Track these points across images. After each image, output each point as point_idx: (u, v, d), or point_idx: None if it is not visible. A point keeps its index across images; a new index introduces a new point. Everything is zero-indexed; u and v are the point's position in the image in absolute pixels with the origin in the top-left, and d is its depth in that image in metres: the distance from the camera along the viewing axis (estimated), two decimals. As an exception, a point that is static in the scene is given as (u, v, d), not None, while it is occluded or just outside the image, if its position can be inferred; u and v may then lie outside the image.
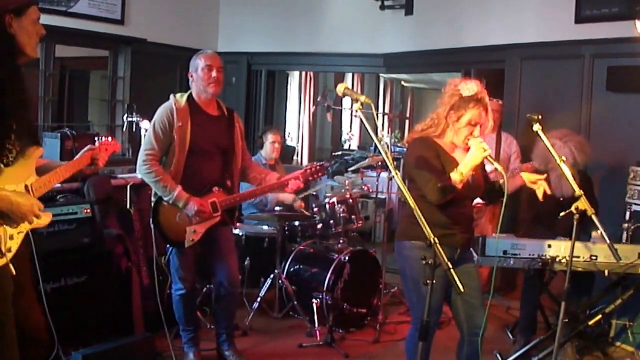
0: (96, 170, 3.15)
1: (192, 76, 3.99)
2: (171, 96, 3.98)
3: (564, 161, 3.23)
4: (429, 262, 2.58)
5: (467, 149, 3.23)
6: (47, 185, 2.80)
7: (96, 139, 3.20)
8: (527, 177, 3.36)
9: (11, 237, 2.61)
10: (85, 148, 3.06)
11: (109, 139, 3.25)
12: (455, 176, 3.11)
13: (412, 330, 3.50)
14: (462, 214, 3.36)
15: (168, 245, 4.10)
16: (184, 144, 3.87)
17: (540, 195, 3.31)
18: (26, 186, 2.69)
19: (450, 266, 2.47)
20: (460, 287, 2.46)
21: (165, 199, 3.87)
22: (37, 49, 2.71)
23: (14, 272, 2.57)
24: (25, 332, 2.79)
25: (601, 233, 3.19)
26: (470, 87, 3.24)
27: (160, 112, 3.93)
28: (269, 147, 5.87)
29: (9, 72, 2.53)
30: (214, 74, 3.92)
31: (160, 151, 3.89)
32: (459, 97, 3.24)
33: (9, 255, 2.58)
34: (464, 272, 3.28)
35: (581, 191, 3.15)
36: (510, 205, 3.23)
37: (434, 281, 2.75)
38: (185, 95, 3.98)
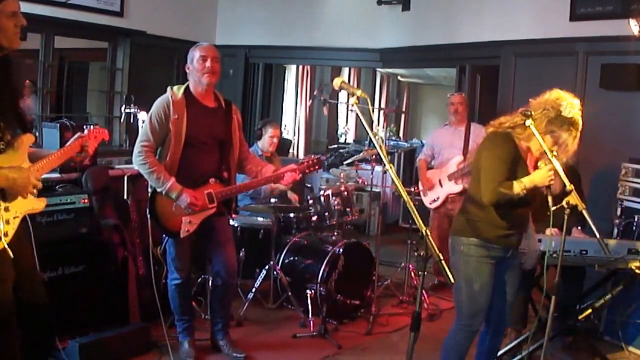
0: (86, 157, 3.16)
1: (188, 68, 4.02)
2: (168, 89, 3.99)
3: (555, 156, 3.24)
4: (421, 254, 2.60)
5: (538, 158, 3.27)
6: (40, 172, 2.83)
7: (85, 127, 3.24)
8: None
9: (7, 222, 2.65)
10: (75, 136, 3.08)
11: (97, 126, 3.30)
12: (518, 187, 3.12)
13: (455, 328, 3.45)
14: (520, 216, 3.36)
15: (164, 235, 4.14)
16: (180, 136, 3.89)
17: None
18: None
19: (442, 258, 2.49)
20: (452, 278, 2.49)
21: (159, 190, 3.89)
22: (16, 41, 2.70)
23: (12, 255, 2.62)
24: (31, 315, 2.85)
25: (592, 227, 3.20)
26: (573, 108, 3.19)
27: (157, 104, 3.95)
28: (267, 140, 5.85)
29: None
30: (208, 63, 3.94)
31: (155, 143, 3.91)
32: (557, 114, 3.18)
33: (6, 239, 2.63)
34: (511, 268, 3.44)
35: (572, 186, 3.16)
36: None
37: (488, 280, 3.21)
38: (182, 88, 4.00)
